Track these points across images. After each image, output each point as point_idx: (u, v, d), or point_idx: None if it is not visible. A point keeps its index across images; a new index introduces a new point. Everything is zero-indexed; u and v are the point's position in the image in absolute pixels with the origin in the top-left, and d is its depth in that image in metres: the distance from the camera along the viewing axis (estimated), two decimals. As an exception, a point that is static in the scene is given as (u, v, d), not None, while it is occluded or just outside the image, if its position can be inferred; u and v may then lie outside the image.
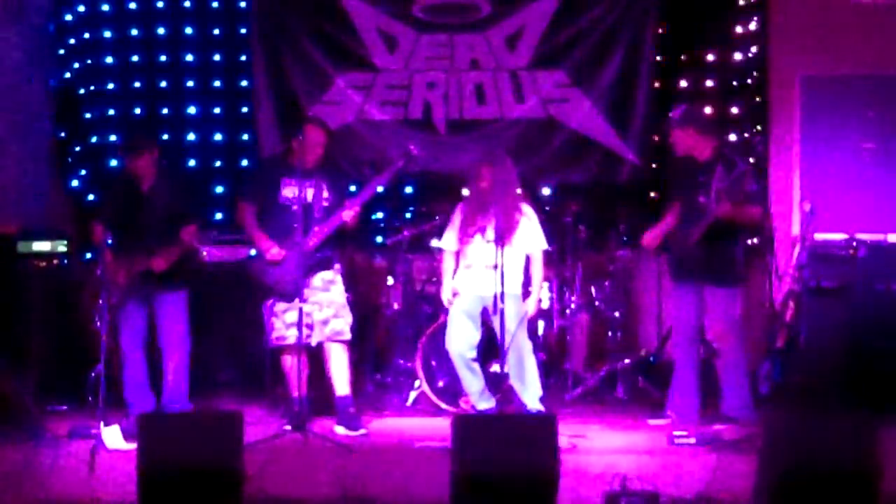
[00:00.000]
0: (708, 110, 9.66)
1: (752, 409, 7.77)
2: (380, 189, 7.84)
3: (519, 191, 8.06)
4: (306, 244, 7.57)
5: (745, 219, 7.65)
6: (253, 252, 8.12)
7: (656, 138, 9.59)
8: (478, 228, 7.89)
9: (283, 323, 7.71)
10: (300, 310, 7.41)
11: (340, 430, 7.71)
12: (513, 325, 7.71)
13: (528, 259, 7.99)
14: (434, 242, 8.51)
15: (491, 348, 7.85)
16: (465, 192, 8.34)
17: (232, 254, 9.36)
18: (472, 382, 7.94)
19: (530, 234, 7.94)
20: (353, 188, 8.22)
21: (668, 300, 8.69)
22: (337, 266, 7.91)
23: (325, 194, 7.78)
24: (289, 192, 7.75)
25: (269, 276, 7.73)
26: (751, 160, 7.76)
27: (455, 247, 8.06)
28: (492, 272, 7.33)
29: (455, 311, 7.98)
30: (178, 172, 9.38)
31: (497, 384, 7.71)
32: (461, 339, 7.91)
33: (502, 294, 7.25)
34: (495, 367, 7.73)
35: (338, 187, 7.89)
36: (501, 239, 7.32)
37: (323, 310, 7.75)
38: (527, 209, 8.00)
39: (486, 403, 7.87)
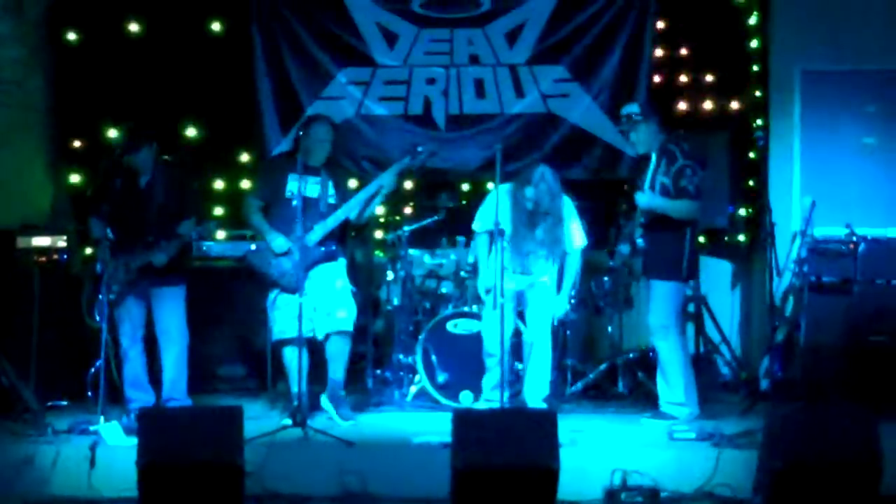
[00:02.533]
0: (708, 105, 9.70)
1: (684, 406, 7.73)
2: (384, 186, 7.91)
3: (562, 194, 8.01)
4: (310, 238, 7.70)
5: (672, 212, 7.64)
6: (253, 246, 8.22)
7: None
8: (522, 253, 7.81)
9: (285, 317, 7.72)
10: (300, 303, 7.46)
11: (325, 401, 7.91)
12: (540, 316, 7.71)
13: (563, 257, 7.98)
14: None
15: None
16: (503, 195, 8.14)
17: (233, 248, 9.37)
18: (494, 376, 7.87)
19: (570, 234, 7.95)
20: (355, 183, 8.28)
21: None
22: (341, 259, 8.00)
23: (331, 190, 7.91)
24: (294, 187, 7.83)
25: (274, 268, 7.79)
26: (691, 157, 7.70)
27: (486, 227, 7.96)
28: (527, 269, 7.34)
29: (489, 310, 7.92)
30: (176, 167, 9.37)
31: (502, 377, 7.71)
32: (499, 338, 7.79)
33: (502, 291, 7.25)
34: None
35: (344, 184, 8.00)
36: (499, 229, 7.37)
37: (327, 302, 7.83)
38: (567, 206, 7.99)
39: (495, 398, 7.81)
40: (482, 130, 9.71)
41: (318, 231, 7.81)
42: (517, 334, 8.00)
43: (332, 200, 7.91)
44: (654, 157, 7.67)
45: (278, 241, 7.81)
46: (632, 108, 7.94)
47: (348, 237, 8.43)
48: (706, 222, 8.74)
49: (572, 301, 8.65)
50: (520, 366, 8.17)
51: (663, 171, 7.63)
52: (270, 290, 7.91)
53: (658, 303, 7.76)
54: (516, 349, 8.09)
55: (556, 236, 7.82)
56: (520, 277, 7.90)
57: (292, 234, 7.74)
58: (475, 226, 8.12)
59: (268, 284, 7.93)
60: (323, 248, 7.83)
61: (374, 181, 7.92)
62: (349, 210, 7.87)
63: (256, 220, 7.97)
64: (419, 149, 8.01)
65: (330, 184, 7.95)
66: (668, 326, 7.76)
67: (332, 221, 7.81)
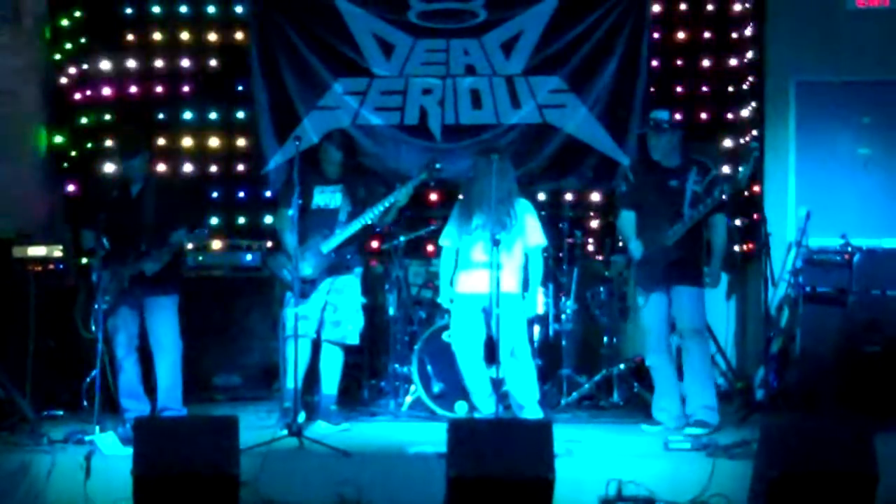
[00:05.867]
0: (704, 116, 9.73)
1: (716, 411, 7.77)
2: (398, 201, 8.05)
3: (515, 187, 8.02)
4: (325, 246, 7.97)
5: (724, 233, 7.83)
6: (249, 257, 8.86)
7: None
8: (474, 226, 7.85)
9: (297, 316, 7.77)
10: (307, 304, 7.83)
11: (322, 425, 7.96)
12: (511, 326, 7.70)
13: (527, 258, 7.97)
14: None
15: (489, 351, 7.83)
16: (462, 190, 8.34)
17: (229, 258, 9.37)
18: (478, 385, 7.89)
19: (528, 232, 7.92)
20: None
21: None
22: (357, 270, 8.20)
23: (351, 200, 8.10)
24: (320, 199, 8.09)
25: (288, 273, 7.89)
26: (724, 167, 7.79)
27: (454, 243, 8.04)
28: (489, 271, 7.31)
29: (457, 312, 7.96)
30: (169, 177, 9.40)
31: (495, 388, 7.72)
32: (467, 340, 7.88)
33: (497, 296, 7.25)
34: (492, 371, 7.73)
35: (360, 195, 8.13)
36: (495, 238, 7.34)
37: (337, 311, 8.04)
38: (524, 205, 7.98)
39: (488, 407, 7.83)
40: (478, 141, 9.71)
41: (333, 241, 7.97)
42: (489, 344, 7.92)
43: (350, 209, 8.09)
44: (694, 170, 7.76)
45: (295, 249, 7.84)
46: (662, 115, 7.96)
47: (365, 247, 8.70)
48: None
49: (546, 299, 8.64)
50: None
51: (695, 181, 7.72)
52: (285, 290, 8.08)
53: (692, 308, 7.83)
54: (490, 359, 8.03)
55: (501, 205, 7.76)
56: (478, 279, 7.79)
57: (310, 241, 7.94)
58: (441, 240, 8.16)
59: (282, 285, 8.15)
60: (335, 255, 7.98)
61: (389, 196, 8.01)
62: (363, 222, 8.01)
63: (289, 239, 7.91)
64: (437, 165, 8.12)
65: (351, 194, 8.13)
66: (703, 330, 7.86)
67: (345, 233, 7.99)
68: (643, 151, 8.17)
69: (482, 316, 7.83)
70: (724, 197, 7.61)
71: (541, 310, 8.57)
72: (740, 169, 7.64)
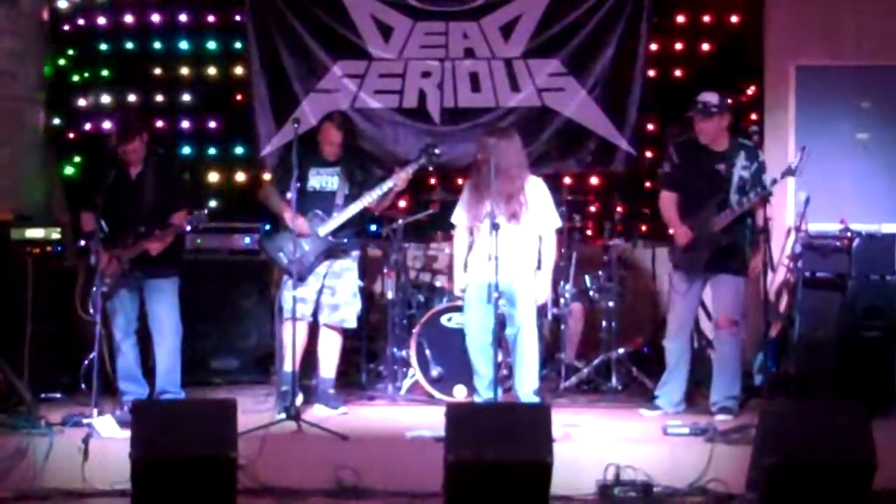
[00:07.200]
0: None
1: (738, 401, 7.78)
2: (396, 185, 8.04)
3: (525, 168, 7.91)
4: (322, 229, 7.94)
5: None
6: (247, 239, 8.87)
7: (652, 126, 9.79)
8: (485, 212, 7.74)
9: (295, 298, 7.76)
10: (304, 287, 7.83)
11: (320, 408, 7.98)
12: (523, 311, 7.67)
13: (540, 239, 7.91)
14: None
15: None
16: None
17: (227, 241, 9.35)
18: (484, 370, 7.84)
19: (540, 212, 7.86)
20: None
21: (664, 290, 8.70)
22: (355, 253, 8.21)
23: (348, 182, 8.06)
24: (315, 181, 8.04)
25: (283, 256, 7.91)
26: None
27: (467, 223, 7.97)
28: (501, 258, 7.26)
29: (469, 297, 7.89)
30: (167, 158, 9.37)
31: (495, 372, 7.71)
32: (478, 325, 7.80)
33: (496, 284, 7.23)
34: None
35: (358, 177, 8.10)
36: (494, 223, 7.30)
37: (335, 295, 8.04)
38: (536, 185, 7.88)
39: (490, 393, 7.80)
40: (477, 124, 9.70)
41: (330, 224, 7.96)
42: (502, 326, 7.88)
43: (346, 192, 8.05)
44: (742, 155, 7.72)
45: (297, 221, 7.76)
46: (710, 98, 7.81)
47: (364, 231, 8.69)
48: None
49: (566, 294, 8.62)
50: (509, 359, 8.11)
51: (742, 165, 7.69)
52: (281, 274, 8.06)
53: (734, 298, 7.81)
54: (501, 342, 7.99)
55: (511, 189, 7.69)
56: (490, 265, 7.73)
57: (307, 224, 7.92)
58: (454, 218, 8.11)
59: (278, 269, 8.15)
60: (332, 239, 7.96)
61: (387, 181, 8.00)
62: (360, 206, 7.99)
63: (277, 205, 8.02)
64: (436, 150, 8.09)
65: (348, 176, 8.09)
66: (739, 321, 7.83)
67: (343, 216, 7.96)
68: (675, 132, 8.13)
69: (494, 303, 7.78)
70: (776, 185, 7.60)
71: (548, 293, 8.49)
72: (795, 159, 7.61)
